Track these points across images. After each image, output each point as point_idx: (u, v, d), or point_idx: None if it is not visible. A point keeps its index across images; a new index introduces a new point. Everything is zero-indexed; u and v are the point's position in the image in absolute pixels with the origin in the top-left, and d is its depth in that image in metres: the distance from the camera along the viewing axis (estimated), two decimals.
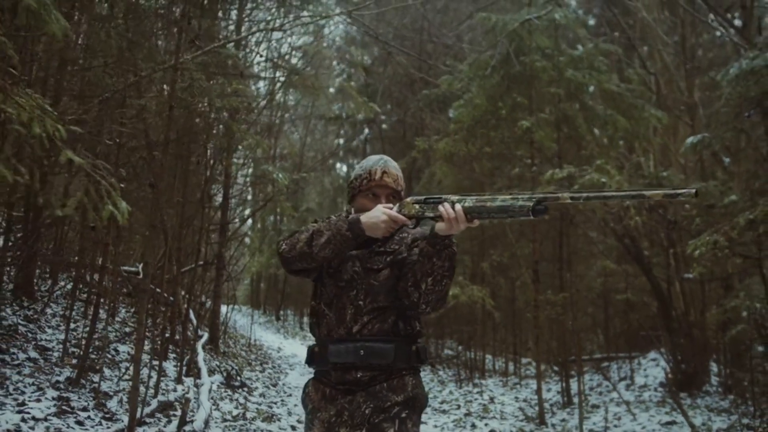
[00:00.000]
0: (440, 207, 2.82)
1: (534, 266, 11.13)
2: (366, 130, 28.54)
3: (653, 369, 13.88)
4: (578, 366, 11.60)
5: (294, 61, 18.51)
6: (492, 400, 12.91)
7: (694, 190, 2.23)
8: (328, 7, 17.90)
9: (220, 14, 12.16)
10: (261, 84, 18.90)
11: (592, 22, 19.74)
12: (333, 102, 28.50)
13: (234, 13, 13.60)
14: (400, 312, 3.04)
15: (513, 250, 13.28)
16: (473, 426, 10.44)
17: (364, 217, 2.97)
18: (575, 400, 11.75)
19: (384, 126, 27.84)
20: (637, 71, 14.08)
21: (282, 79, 15.46)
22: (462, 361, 17.75)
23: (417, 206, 2.95)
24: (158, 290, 11.32)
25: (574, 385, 12.77)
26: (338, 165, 32.23)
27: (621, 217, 10.50)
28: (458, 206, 2.76)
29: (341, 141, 29.94)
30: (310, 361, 3.20)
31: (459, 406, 12.13)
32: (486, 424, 10.54)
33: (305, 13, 11.47)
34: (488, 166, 13.69)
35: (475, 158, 13.15)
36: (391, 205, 3.05)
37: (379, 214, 2.94)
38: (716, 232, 6.82)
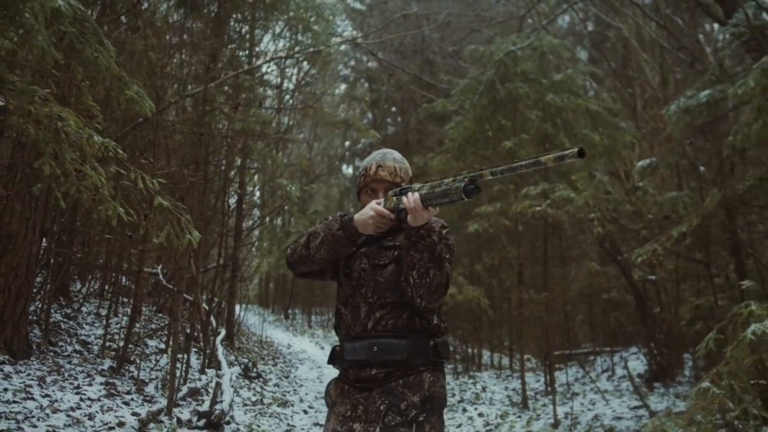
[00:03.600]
0: (403, 197, 2.81)
1: (518, 268, 12.42)
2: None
3: (633, 362, 15.11)
4: (552, 359, 12.76)
5: (301, 82, 19.63)
6: (484, 389, 14.22)
7: (577, 150, 2.25)
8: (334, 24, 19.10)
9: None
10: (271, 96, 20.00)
11: (583, 54, 20.60)
12: (338, 106, 29.68)
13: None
14: (413, 306, 2.92)
15: (504, 253, 14.47)
16: (464, 410, 11.82)
17: (357, 215, 2.96)
18: (558, 389, 13.08)
19: (390, 129, 28.82)
20: (616, 87, 15.20)
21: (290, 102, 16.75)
22: (460, 355, 19.04)
23: (395, 198, 2.92)
24: (182, 292, 12.49)
25: (562, 377, 14.09)
26: (344, 167, 32.94)
27: (601, 222, 11.73)
28: (416, 195, 2.73)
29: (347, 143, 30.58)
30: (332, 360, 3.16)
31: (454, 395, 13.44)
32: (475, 408, 11.91)
33: (310, 41, 12.54)
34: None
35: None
36: (381, 200, 3.02)
37: (368, 210, 2.92)
38: (656, 242, 8.09)
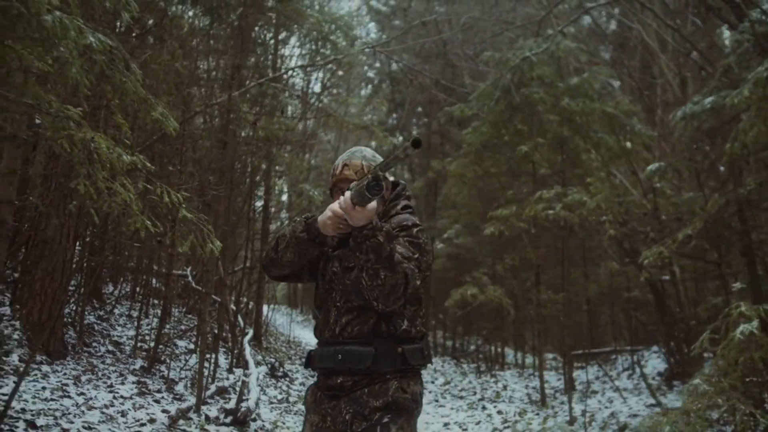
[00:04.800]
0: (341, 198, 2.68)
1: (536, 269, 12.69)
2: (397, 137, 29.67)
3: (654, 361, 15.29)
4: (571, 357, 13.00)
5: (326, 85, 20.00)
6: (505, 387, 14.50)
7: (411, 142, 2.18)
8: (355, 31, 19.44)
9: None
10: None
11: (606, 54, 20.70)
12: (364, 107, 30.01)
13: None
14: (379, 311, 2.79)
15: (523, 254, 14.73)
16: (484, 408, 12.13)
17: (320, 216, 2.86)
18: (578, 387, 13.32)
19: (414, 131, 29.10)
20: (635, 89, 15.37)
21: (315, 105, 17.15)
22: (484, 354, 19.32)
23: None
24: (210, 294, 12.90)
25: (583, 376, 14.33)
26: None
27: (621, 223, 11.96)
28: (346, 194, 2.60)
29: (373, 143, 30.84)
30: (307, 364, 3.11)
31: (475, 393, 13.75)
32: (495, 406, 12.21)
33: (329, 51, 12.87)
34: (496, 184, 15.21)
35: (483, 178, 14.62)
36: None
37: (327, 211, 2.80)
38: (662, 244, 8.33)
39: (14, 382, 7.58)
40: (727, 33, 13.86)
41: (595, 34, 20.69)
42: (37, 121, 5.56)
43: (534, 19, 16.66)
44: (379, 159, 3.06)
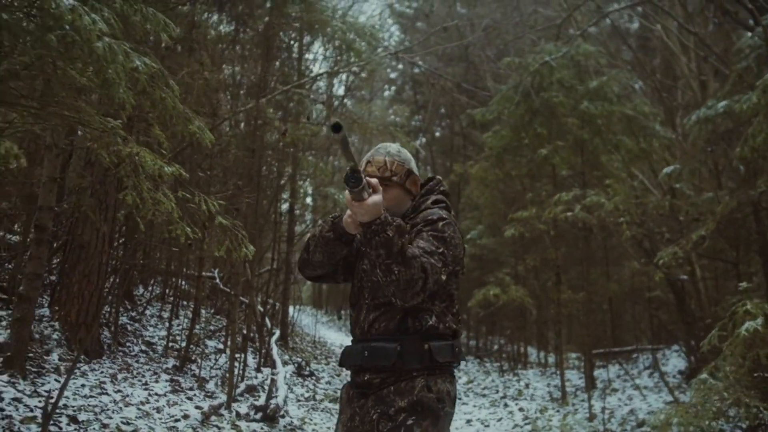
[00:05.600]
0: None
1: (556, 270, 12.95)
2: (420, 138, 29.88)
3: (675, 359, 15.47)
4: (591, 356, 13.21)
5: (351, 86, 20.33)
6: (527, 386, 14.75)
7: (331, 125, 2.15)
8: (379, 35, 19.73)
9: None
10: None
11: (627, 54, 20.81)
12: (387, 109, 30.26)
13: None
14: (408, 308, 2.75)
15: (544, 255, 14.96)
16: (506, 405, 12.41)
17: (345, 215, 2.83)
18: (599, 385, 13.55)
19: (437, 133, 29.37)
20: (655, 91, 15.54)
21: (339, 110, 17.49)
22: (507, 354, 19.58)
23: None
24: (239, 295, 13.25)
25: (604, 374, 14.56)
26: None
27: (638, 224, 12.18)
28: (346, 192, 2.56)
29: (397, 144, 30.90)
30: (340, 361, 3.06)
31: (497, 391, 14.02)
32: (516, 404, 12.49)
33: (352, 58, 13.17)
34: (518, 186, 15.47)
35: (504, 180, 14.89)
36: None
37: (349, 209, 2.69)
38: (677, 245, 8.56)
39: (56, 379, 7.99)
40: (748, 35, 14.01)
41: (617, 34, 20.83)
42: (79, 133, 5.92)
43: (553, 23, 16.91)
44: (406, 154, 3.08)
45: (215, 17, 13.98)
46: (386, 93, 30.56)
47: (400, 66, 28.74)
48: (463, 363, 18.69)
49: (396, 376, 2.78)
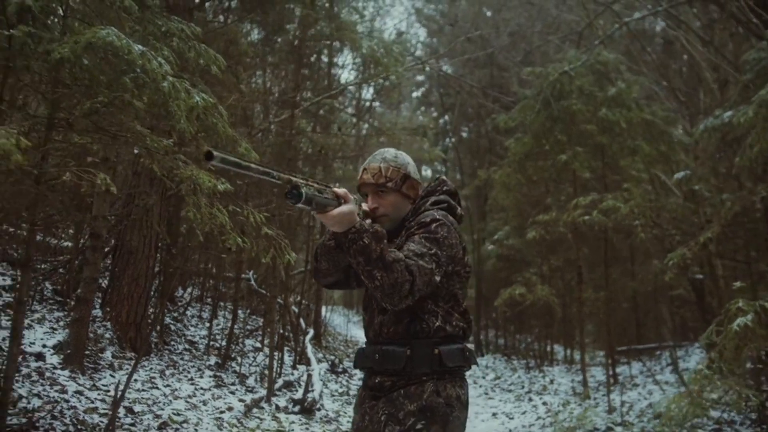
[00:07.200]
0: None
1: (578, 270, 13.49)
2: (448, 140, 30.18)
3: (697, 356, 15.90)
4: (613, 353, 13.68)
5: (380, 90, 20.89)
6: (551, 381, 15.31)
7: (204, 153, 2.16)
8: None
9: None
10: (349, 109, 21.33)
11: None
12: (415, 110, 30.77)
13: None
14: (414, 311, 2.81)
15: (566, 255, 15.49)
16: (530, 399, 13.02)
17: None
18: (621, 380, 14.07)
19: (464, 134, 29.76)
20: (676, 96, 15.96)
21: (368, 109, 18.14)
22: (533, 351, 20.12)
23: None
24: (276, 297, 13.87)
25: (628, 370, 15.06)
26: (424, 171, 33.81)
27: (644, 228, 12.64)
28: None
29: (426, 145, 31.25)
30: (355, 363, 3.08)
31: (523, 386, 14.62)
32: (540, 398, 13.09)
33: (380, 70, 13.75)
34: (542, 188, 16.01)
35: (526, 184, 15.41)
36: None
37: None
38: (685, 247, 9.08)
39: (111, 374, 8.73)
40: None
41: (642, 35, 21.14)
42: (135, 151, 6.62)
43: (577, 27, 17.40)
44: (403, 159, 3.07)
45: (247, 26, 14.59)
46: (414, 94, 30.98)
47: (427, 68, 29.21)
48: (491, 360, 19.25)
49: (406, 380, 2.79)
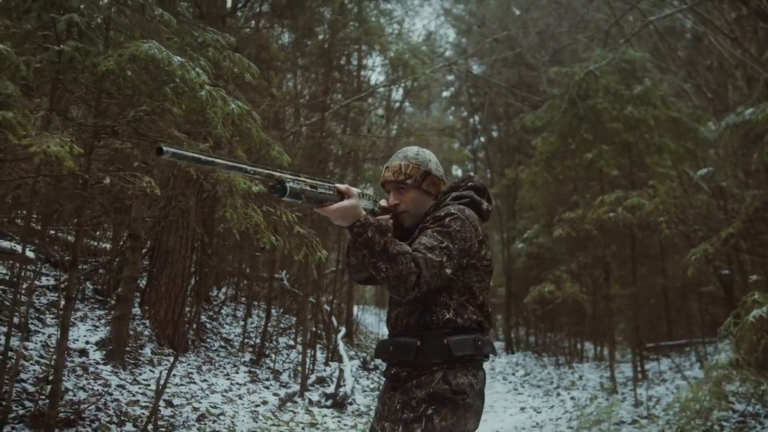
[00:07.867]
0: None
1: (605, 266, 13.65)
2: (477, 140, 30.32)
3: (727, 352, 15.95)
4: (641, 348, 13.79)
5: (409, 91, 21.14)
6: (580, 377, 15.47)
7: (156, 149, 2.17)
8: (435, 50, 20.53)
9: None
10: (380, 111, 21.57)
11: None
12: (445, 110, 30.93)
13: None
14: (425, 303, 2.88)
15: (594, 252, 15.63)
16: (558, 394, 13.22)
17: None
18: (649, 376, 14.20)
19: (494, 134, 29.89)
20: (702, 93, 16.03)
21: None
22: (563, 348, 20.27)
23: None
24: (308, 296, 14.17)
25: (657, 366, 15.18)
26: (453, 169, 33.93)
27: (676, 222, 12.75)
28: None
29: (456, 144, 31.36)
30: (375, 354, 3.16)
31: (552, 382, 14.81)
32: (569, 393, 13.27)
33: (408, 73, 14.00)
34: (570, 186, 16.17)
35: (554, 183, 15.59)
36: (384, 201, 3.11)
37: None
38: (708, 242, 9.23)
39: (150, 369, 9.09)
40: None
41: (670, 33, 21.11)
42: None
43: (603, 26, 17.51)
44: (424, 156, 3.13)
45: (277, 30, 14.90)
46: (444, 94, 31.13)
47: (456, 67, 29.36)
48: (521, 357, 19.43)
49: (419, 371, 2.85)
